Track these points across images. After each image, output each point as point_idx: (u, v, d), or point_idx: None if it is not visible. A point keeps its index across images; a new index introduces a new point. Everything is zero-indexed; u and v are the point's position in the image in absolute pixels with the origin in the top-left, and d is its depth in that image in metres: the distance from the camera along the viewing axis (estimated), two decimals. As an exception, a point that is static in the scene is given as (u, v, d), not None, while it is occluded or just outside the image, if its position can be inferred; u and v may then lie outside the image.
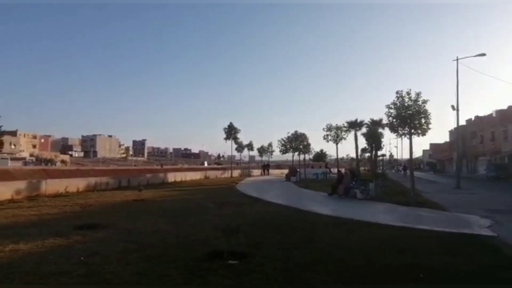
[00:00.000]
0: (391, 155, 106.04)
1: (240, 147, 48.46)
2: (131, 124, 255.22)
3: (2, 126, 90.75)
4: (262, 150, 53.58)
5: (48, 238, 8.42)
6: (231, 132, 45.27)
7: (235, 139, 46.45)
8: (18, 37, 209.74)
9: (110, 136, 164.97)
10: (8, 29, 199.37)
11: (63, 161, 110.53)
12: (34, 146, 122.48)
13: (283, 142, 36.66)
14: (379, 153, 52.97)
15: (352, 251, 7.56)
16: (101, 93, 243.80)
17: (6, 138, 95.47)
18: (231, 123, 45.28)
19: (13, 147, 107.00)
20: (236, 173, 48.89)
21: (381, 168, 58.06)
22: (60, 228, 9.86)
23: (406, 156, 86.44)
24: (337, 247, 7.87)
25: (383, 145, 45.86)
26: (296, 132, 35.89)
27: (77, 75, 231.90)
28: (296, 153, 36.71)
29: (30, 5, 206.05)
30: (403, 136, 16.53)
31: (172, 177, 33.73)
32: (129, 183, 25.09)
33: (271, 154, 53.43)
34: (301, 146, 35.15)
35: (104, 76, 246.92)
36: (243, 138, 50.54)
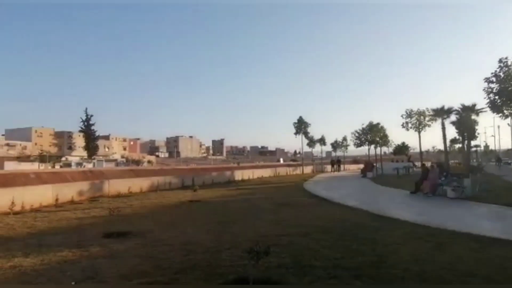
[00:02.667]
0: (486, 146, 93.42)
1: (311, 142, 45.80)
2: (211, 125, 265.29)
3: (96, 131, 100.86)
4: (336, 145, 50.32)
5: (64, 250, 7.29)
6: (300, 126, 42.90)
7: (305, 133, 43.93)
8: (114, 52, 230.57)
9: (191, 137, 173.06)
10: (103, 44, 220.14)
11: (149, 162, 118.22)
12: (124, 149, 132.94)
13: (357, 135, 33.32)
14: (473, 143, 45.87)
15: (446, 283, 5.05)
16: (182, 96, 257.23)
17: (100, 142, 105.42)
18: (300, 117, 42.91)
19: (106, 149, 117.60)
20: (308, 169, 46.40)
21: (475, 160, 50.72)
22: (88, 236, 8.83)
23: (505, 146, 75.52)
24: (420, 275, 5.40)
25: (478, 134, 39.07)
26: (371, 123, 32.28)
27: (162, 82, 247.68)
28: (372, 146, 33.06)
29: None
30: (509, 117, 12.75)
31: (239, 175, 32.59)
32: (193, 182, 24.34)
33: (346, 148, 49.87)
34: (377, 138, 31.45)
35: (185, 81, 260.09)
36: (316, 132, 47.78)
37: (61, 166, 75.83)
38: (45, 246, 7.80)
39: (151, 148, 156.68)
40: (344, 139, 49.62)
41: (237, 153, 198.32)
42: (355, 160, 64.30)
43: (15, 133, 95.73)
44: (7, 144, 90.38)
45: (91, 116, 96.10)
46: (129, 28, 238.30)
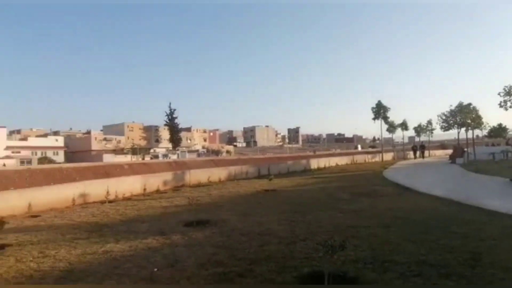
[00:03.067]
0: None
1: (391, 127, 43.12)
2: (286, 114, 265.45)
3: (179, 124, 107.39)
4: (419, 129, 46.81)
5: (148, 237, 7.81)
6: (379, 111, 40.59)
7: (385, 118, 41.48)
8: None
9: (267, 126, 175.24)
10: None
11: (228, 152, 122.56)
12: (204, 140, 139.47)
13: (444, 117, 30.49)
14: None
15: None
16: (258, 86, 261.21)
17: (183, 134, 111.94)
18: (379, 101, 40.54)
19: (188, 141, 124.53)
20: (389, 156, 43.93)
21: None
22: (171, 224, 9.35)
23: None
24: (523, 278, 4.70)
25: None
26: (461, 103, 29.26)
27: (237, 75, 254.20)
28: (463, 129, 30.01)
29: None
30: None
31: (314, 163, 32.10)
32: (269, 171, 24.57)
33: (431, 132, 46.13)
34: (468, 120, 28.44)
35: (260, 72, 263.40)
36: (397, 117, 44.84)
37: (151, 158, 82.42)
38: (133, 233, 8.45)
39: (229, 138, 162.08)
40: (429, 122, 45.98)
41: (313, 141, 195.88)
42: (442, 145, 59.18)
43: (111, 129, 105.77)
44: (105, 139, 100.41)
45: (174, 110, 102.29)
46: (207, 26, 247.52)
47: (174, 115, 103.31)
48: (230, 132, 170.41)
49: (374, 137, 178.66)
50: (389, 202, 11.70)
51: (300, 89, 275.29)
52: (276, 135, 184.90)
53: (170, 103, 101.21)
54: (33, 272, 5.64)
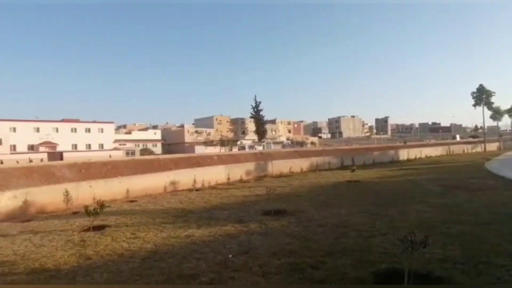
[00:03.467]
0: None
1: (496, 114, 38.15)
2: (374, 103, 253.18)
3: (264, 116, 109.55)
4: (533, 115, 40.67)
5: (227, 225, 8.09)
6: (481, 96, 36.12)
7: (488, 104, 36.79)
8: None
9: (353, 116, 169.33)
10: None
11: (312, 143, 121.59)
12: (289, 131, 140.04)
13: None
14: None
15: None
16: (342, 76, 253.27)
17: (268, 126, 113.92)
18: (481, 85, 36.02)
19: (273, 133, 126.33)
20: (493, 146, 39.05)
21: None
22: (249, 212, 9.58)
23: None
24: None
25: None
26: None
27: (321, 66, 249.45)
28: None
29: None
30: None
31: (404, 154, 29.98)
32: (353, 162, 23.65)
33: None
34: None
35: (344, 61, 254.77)
36: (503, 103, 39.51)
37: (238, 149, 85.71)
38: (214, 219, 8.83)
39: (314, 130, 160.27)
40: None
41: (404, 131, 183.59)
42: None
43: (201, 122, 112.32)
44: (196, 131, 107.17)
45: (260, 102, 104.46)
46: (294, 22, 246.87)
47: (259, 108, 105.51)
48: (315, 123, 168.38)
49: (475, 126, 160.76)
50: (490, 197, 10.39)
51: (389, 76, 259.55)
52: (363, 126, 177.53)
53: (255, 96, 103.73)
54: (124, 251, 6.24)
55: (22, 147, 61.59)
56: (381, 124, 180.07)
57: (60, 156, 60.91)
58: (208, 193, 14.19)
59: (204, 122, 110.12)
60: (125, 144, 77.51)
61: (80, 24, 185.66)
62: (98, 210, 8.17)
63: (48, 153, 61.87)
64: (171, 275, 4.91)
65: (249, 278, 4.73)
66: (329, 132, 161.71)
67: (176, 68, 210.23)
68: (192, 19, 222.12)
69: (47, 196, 11.00)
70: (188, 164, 19.82)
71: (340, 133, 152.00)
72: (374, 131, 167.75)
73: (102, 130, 73.15)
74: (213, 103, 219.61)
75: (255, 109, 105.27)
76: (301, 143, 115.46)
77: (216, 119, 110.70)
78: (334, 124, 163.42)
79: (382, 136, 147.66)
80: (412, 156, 30.22)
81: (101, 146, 71.41)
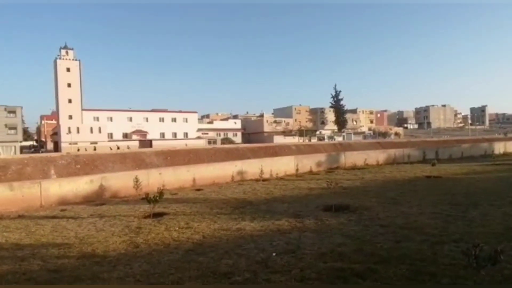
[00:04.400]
0: None
1: None
2: (468, 91, 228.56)
3: (345, 105, 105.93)
4: None
5: (282, 219, 7.77)
6: None
7: None
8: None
9: (443, 105, 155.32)
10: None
11: (396, 134, 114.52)
12: (371, 121, 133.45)
13: None
14: None
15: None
16: (434, 61, 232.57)
17: (348, 116, 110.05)
18: None
19: (354, 123, 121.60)
20: None
21: None
22: (310, 206, 9.12)
23: None
24: None
25: None
26: None
27: (407, 51, 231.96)
28: None
29: None
30: None
31: (500, 147, 26.32)
32: (437, 155, 21.42)
33: None
34: None
35: (431, 45, 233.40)
36: None
37: (318, 139, 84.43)
38: (271, 212, 8.56)
39: (399, 120, 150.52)
40: None
41: (505, 121, 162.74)
42: None
43: (280, 112, 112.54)
44: (275, 121, 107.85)
45: (340, 91, 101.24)
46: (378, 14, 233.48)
47: (339, 97, 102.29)
48: (400, 112, 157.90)
49: None
50: None
51: (487, 59, 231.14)
52: (456, 115, 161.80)
53: (335, 85, 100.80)
54: (171, 241, 6.30)
55: (117, 135, 68.21)
56: (478, 113, 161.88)
57: (149, 143, 66.37)
58: (273, 184, 13.97)
59: (283, 112, 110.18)
60: (207, 133, 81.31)
61: (169, 21, 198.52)
62: (157, 198, 8.43)
63: (140, 140, 67.74)
64: (207, 271, 4.75)
65: (286, 282, 4.35)
66: (416, 123, 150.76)
67: (259, 59, 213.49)
68: (275, 14, 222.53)
69: (121, 181, 11.81)
70: (266, 154, 19.86)
71: (429, 123, 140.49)
72: (469, 121, 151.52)
73: (186, 120, 77.59)
74: (292, 93, 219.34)
75: (335, 99, 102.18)
76: (384, 134, 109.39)
77: (295, 109, 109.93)
78: (422, 114, 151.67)
79: (478, 127, 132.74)
80: (510, 150, 26.38)
81: (186, 134, 75.87)
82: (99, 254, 5.67)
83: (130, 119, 70.75)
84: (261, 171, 15.13)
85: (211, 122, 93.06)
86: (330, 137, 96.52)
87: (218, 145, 55.62)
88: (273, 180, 15.39)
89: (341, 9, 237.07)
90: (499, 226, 6.55)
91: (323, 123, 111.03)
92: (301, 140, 79.36)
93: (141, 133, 70.44)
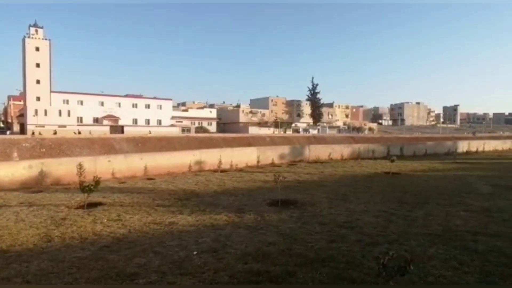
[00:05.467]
0: None
1: None
2: (442, 90, 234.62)
3: (321, 99, 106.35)
4: None
5: (222, 213, 7.38)
6: None
7: None
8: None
9: (418, 103, 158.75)
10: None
11: (370, 129, 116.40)
12: (347, 116, 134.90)
13: None
14: None
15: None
16: (406, 60, 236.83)
17: (324, 110, 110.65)
18: None
19: (330, 117, 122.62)
20: None
21: None
22: (256, 200, 8.78)
23: None
24: None
25: None
26: None
27: (383, 47, 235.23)
28: None
29: None
30: None
31: (463, 145, 26.85)
32: (402, 151, 21.56)
33: None
34: None
35: (404, 41, 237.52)
36: None
37: (293, 132, 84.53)
38: (214, 206, 8.14)
39: (374, 116, 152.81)
40: None
41: (475, 121, 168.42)
42: None
43: (257, 103, 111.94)
44: (251, 112, 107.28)
45: (317, 85, 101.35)
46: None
47: (316, 90, 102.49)
48: (376, 109, 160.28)
49: None
50: (550, 204, 8.48)
51: (460, 60, 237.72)
52: (429, 113, 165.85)
53: (312, 78, 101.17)
54: (90, 236, 5.78)
55: (88, 119, 65.96)
56: (450, 112, 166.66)
57: (121, 129, 64.54)
58: (230, 175, 13.56)
59: (259, 103, 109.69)
60: (181, 121, 79.86)
61: (145, 4, 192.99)
62: (92, 187, 7.85)
63: (111, 126, 65.77)
64: (111, 272, 4.28)
65: (194, 285, 3.95)
66: (390, 119, 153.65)
67: (237, 49, 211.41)
68: (256, 6, 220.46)
69: (64, 168, 11.10)
70: (239, 144, 19.30)
71: (403, 120, 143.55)
72: (441, 119, 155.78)
73: (160, 107, 75.87)
74: (270, 85, 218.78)
75: (312, 92, 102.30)
76: (358, 129, 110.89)
77: (272, 100, 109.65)
78: (397, 111, 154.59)
79: (449, 126, 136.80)
80: (473, 149, 26.98)
81: (159, 122, 74.27)
82: (2, 249, 5.09)
83: (102, 104, 68.48)
84: (220, 161, 14.68)
85: (186, 110, 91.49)
86: (305, 130, 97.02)
87: (192, 133, 54.65)
88: (232, 171, 14.98)
89: (322, 5, 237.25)
90: (439, 227, 6.36)
91: (299, 115, 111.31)
92: (276, 132, 79.29)
93: (113, 118, 68.42)
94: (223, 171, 14.66)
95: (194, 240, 5.59)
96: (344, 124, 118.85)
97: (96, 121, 67.37)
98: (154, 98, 77.95)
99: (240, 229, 6.26)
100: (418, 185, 11.35)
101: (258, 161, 16.83)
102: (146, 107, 74.05)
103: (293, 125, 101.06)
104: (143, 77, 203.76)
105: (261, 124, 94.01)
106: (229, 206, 8.08)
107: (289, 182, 11.83)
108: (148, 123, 72.64)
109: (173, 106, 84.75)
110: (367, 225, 6.46)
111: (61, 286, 3.85)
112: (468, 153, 25.82)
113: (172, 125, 74.71)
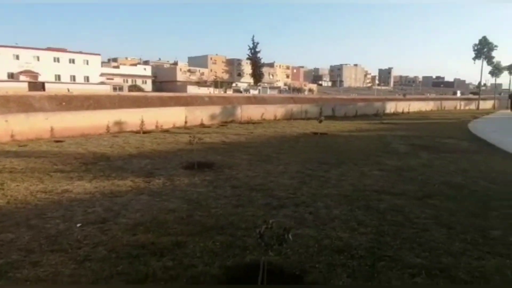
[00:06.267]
0: None
1: (496, 70, 35.70)
2: (379, 53, 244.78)
3: (262, 58, 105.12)
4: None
5: (128, 178, 6.74)
6: (482, 50, 33.33)
7: (488, 58, 34.09)
8: None
9: (355, 65, 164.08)
10: None
11: (310, 90, 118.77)
12: (287, 76, 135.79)
13: None
14: None
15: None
16: (349, 24, 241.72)
17: (265, 69, 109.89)
18: (484, 37, 32.97)
19: (271, 77, 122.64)
20: (488, 104, 37.19)
21: None
22: (171, 164, 8.21)
23: None
24: None
25: None
26: None
27: (324, 9, 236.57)
28: None
29: None
30: None
31: (391, 107, 28.26)
32: (334, 112, 22.04)
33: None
34: None
35: (350, 5, 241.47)
36: (505, 58, 36.92)
37: (233, 92, 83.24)
38: (121, 170, 7.45)
39: (315, 77, 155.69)
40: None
41: (406, 83, 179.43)
42: None
43: (195, 61, 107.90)
44: (189, 70, 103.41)
45: (257, 43, 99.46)
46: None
47: (257, 49, 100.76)
48: (316, 70, 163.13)
49: (479, 82, 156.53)
50: (454, 161, 9.00)
51: (396, 25, 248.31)
52: (365, 76, 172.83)
53: (253, 36, 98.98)
54: (-47, 208, 4.87)
55: (1, 75, 58.93)
56: (385, 75, 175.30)
57: (42, 86, 58.62)
58: (152, 137, 12.74)
59: (198, 61, 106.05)
60: (112, 79, 74.70)
61: None
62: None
63: (29, 82, 59.41)
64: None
65: (55, 266, 3.37)
66: (330, 80, 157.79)
67: (177, 3, 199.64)
68: None
69: None
70: (177, 104, 18.27)
71: (341, 81, 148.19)
72: (377, 81, 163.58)
73: (87, 62, 69.94)
74: (209, 42, 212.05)
75: (253, 51, 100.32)
76: (299, 90, 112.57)
77: (211, 59, 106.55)
78: (336, 72, 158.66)
79: (384, 88, 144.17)
80: (399, 110, 28.55)
81: (87, 79, 68.74)
82: None
83: (17, 57, 61.29)
84: (142, 122, 13.73)
85: (117, 67, 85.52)
86: (246, 90, 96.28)
87: (125, 92, 51.40)
88: (156, 132, 14.12)
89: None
90: (350, 187, 6.34)
91: (240, 75, 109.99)
92: (216, 92, 77.65)
93: (31, 74, 61.82)
94: (146, 132, 13.76)
95: (83, 210, 4.94)
96: (285, 84, 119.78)
97: (11, 77, 60.44)
98: (80, 52, 71.46)
99: (142, 195, 5.71)
100: (343, 145, 11.52)
101: (186, 122, 16.07)
102: (70, 61, 67.69)
103: (234, 85, 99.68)
104: (68, 29, 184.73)
105: (200, 83, 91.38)
106: (139, 171, 7.44)
107: (213, 144, 11.41)
108: (74, 79, 66.77)
109: (103, 62, 78.81)
110: (279, 187, 6.25)
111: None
112: (395, 114, 27.22)
113: (102, 83, 69.48)
